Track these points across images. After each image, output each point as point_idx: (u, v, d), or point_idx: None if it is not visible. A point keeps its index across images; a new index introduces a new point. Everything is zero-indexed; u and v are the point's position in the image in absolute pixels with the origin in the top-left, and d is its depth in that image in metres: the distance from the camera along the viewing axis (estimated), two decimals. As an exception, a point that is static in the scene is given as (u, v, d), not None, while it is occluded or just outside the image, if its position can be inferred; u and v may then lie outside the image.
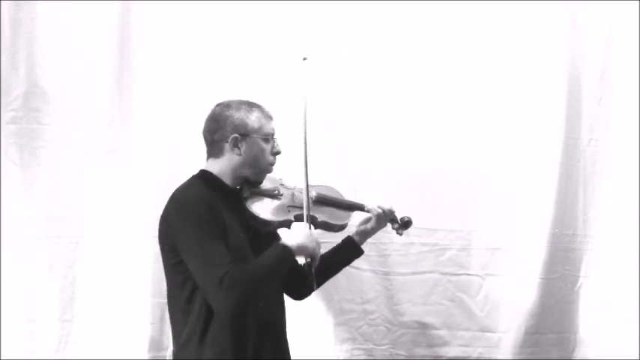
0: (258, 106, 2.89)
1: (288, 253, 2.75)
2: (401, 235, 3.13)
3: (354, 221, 3.07)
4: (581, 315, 3.94)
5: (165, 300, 3.72)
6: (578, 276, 3.95)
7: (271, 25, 3.80)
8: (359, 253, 3.10)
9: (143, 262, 3.74)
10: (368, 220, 3.08)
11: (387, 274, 3.84)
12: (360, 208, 3.07)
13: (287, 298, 3.06)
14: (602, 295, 3.93)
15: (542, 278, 3.89)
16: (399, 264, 3.85)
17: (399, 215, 3.06)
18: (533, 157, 3.89)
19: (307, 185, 2.89)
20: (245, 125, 2.84)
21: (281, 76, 3.74)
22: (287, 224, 2.93)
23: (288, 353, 2.94)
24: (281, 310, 2.97)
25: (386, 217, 3.06)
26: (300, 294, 3.07)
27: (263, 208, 2.88)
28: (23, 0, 3.70)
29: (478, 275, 3.90)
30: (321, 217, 2.94)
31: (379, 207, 3.06)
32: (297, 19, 3.82)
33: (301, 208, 2.89)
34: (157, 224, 3.68)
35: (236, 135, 2.83)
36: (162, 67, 3.78)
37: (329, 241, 3.18)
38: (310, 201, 2.92)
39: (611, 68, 3.95)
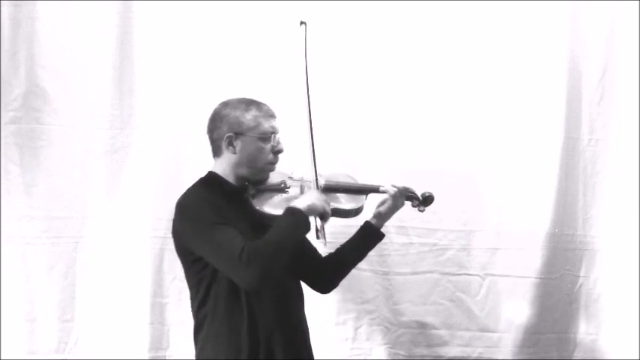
0: (258, 105, 2.88)
1: (299, 214, 2.73)
2: (422, 212, 3.11)
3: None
4: (581, 315, 3.94)
5: (165, 300, 3.78)
6: (578, 276, 3.95)
7: (272, 24, 3.80)
8: (379, 236, 3.07)
9: (143, 262, 3.75)
10: (384, 202, 3.06)
11: (386, 273, 3.84)
12: (373, 189, 3.04)
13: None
14: (602, 295, 3.93)
15: (542, 278, 3.88)
16: (399, 264, 3.84)
17: (418, 192, 3.08)
18: (533, 157, 3.88)
19: (315, 172, 2.87)
20: (240, 124, 2.84)
21: (282, 74, 3.75)
22: None
23: (309, 352, 2.93)
24: (301, 309, 2.96)
25: (402, 196, 3.04)
26: (324, 285, 3.07)
27: (270, 204, 2.86)
28: (23, 0, 3.71)
29: (478, 275, 3.90)
30: (332, 205, 2.91)
31: (394, 186, 3.04)
32: (301, 16, 3.81)
33: None
34: (157, 224, 3.75)
35: (230, 134, 2.84)
36: (162, 67, 3.78)
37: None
38: (320, 189, 2.90)
39: (612, 68, 3.94)
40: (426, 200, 3.09)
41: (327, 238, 2.80)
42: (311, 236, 2.83)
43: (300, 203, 2.76)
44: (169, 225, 3.67)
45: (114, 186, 3.77)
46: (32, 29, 3.71)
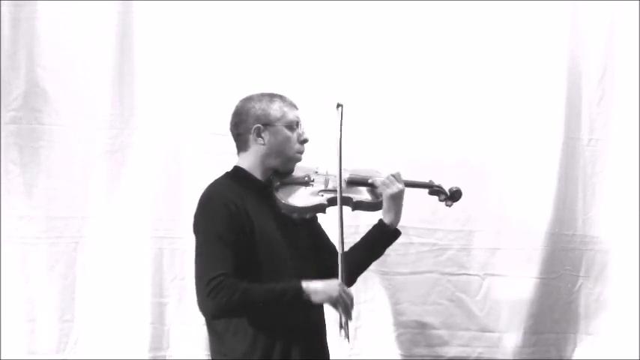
0: (280, 96, 2.91)
1: (296, 291, 2.71)
2: (450, 206, 3.07)
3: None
4: (581, 315, 3.94)
5: (165, 300, 3.78)
6: (578, 276, 3.94)
7: (272, 24, 3.81)
8: (393, 233, 2.99)
9: (143, 262, 3.75)
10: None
11: (386, 273, 3.84)
12: None
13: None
14: (602, 295, 3.93)
15: (542, 278, 3.88)
16: (399, 264, 3.84)
17: (446, 187, 3.05)
18: (533, 157, 3.88)
19: (340, 165, 2.84)
20: (267, 115, 2.86)
21: (283, 73, 3.76)
22: (321, 208, 2.89)
23: (326, 353, 2.92)
24: (321, 308, 2.91)
25: (392, 183, 2.95)
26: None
27: (293, 196, 2.87)
28: (23, 0, 3.71)
29: (478, 275, 3.90)
30: (356, 198, 2.92)
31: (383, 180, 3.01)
32: (308, 13, 3.82)
33: (334, 191, 2.86)
34: (157, 224, 3.75)
35: (258, 125, 2.85)
36: (162, 67, 3.78)
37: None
38: (344, 182, 2.89)
39: (612, 68, 3.94)
40: (454, 195, 3.05)
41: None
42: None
43: (312, 285, 2.73)
44: (169, 225, 3.71)
45: (114, 186, 3.77)
46: (32, 29, 3.72)
